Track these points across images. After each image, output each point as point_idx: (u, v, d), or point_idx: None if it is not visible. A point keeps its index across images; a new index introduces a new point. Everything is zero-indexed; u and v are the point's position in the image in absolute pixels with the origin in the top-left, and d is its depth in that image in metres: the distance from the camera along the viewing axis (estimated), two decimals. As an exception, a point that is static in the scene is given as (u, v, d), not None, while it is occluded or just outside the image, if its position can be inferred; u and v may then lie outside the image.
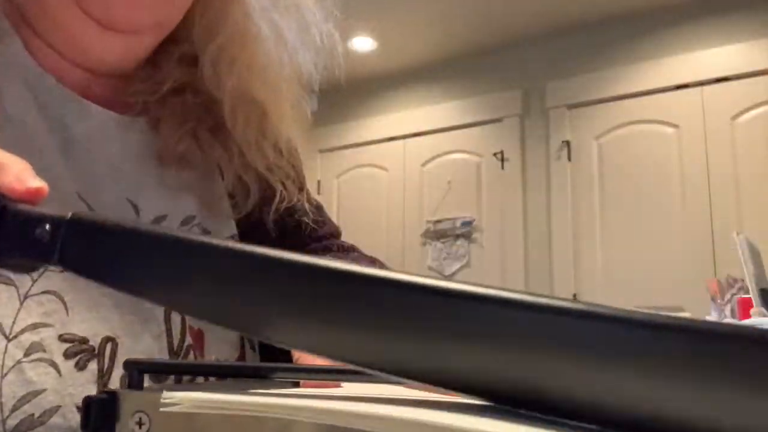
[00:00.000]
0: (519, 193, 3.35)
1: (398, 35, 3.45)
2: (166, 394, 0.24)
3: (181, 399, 0.24)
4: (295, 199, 0.60)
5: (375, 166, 3.88)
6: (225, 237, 0.56)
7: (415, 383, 0.21)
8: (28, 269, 0.29)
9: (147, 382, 0.29)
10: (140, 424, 0.25)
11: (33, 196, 0.28)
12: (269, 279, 0.23)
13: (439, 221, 3.55)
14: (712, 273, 2.69)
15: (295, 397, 0.23)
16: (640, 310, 0.19)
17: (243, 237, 0.58)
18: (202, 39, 0.56)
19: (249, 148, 0.57)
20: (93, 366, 0.42)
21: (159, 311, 0.47)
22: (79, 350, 0.42)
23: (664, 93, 3.05)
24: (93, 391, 0.41)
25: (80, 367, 0.41)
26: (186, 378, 0.45)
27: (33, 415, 0.38)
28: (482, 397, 0.21)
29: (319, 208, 0.67)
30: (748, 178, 2.81)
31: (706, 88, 2.97)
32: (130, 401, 0.25)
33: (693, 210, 2.90)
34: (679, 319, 0.19)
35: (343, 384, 0.34)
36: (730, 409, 0.18)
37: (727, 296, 1.61)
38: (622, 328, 0.19)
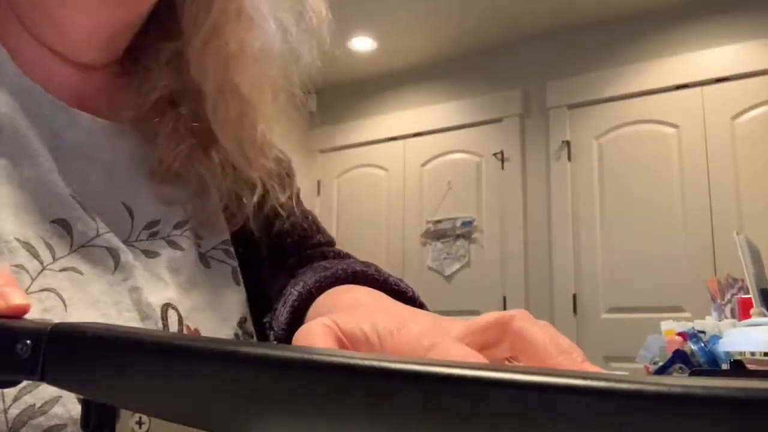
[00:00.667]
0: (519, 193, 3.35)
1: (398, 35, 3.45)
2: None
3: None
4: (282, 200, 0.59)
5: (375, 166, 3.88)
6: (218, 243, 0.56)
7: None
8: (9, 385, 0.29)
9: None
10: (140, 423, 0.25)
11: (16, 312, 0.28)
12: (259, 380, 0.21)
13: (439, 221, 3.55)
14: (712, 273, 2.69)
15: None
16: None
17: (237, 246, 0.58)
18: (189, 29, 0.54)
19: (231, 145, 0.56)
20: None
21: (156, 310, 0.47)
22: None
23: (664, 93, 3.05)
24: None
25: None
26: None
27: (34, 405, 0.38)
28: None
29: (313, 217, 0.67)
30: (748, 178, 2.81)
31: (706, 88, 2.97)
32: (129, 401, 0.25)
33: (693, 210, 2.90)
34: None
35: None
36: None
37: (727, 296, 1.61)
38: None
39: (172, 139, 0.53)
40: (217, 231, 0.57)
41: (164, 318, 0.47)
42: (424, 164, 3.69)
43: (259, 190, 0.57)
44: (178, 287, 0.50)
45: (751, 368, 1.06)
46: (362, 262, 0.60)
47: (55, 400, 0.39)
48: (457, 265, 3.47)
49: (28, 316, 0.41)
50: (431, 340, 0.28)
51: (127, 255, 0.47)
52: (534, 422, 0.17)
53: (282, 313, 0.49)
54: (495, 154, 3.44)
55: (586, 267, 3.12)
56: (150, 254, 0.49)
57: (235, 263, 0.56)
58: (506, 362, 0.29)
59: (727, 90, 2.92)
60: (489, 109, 3.51)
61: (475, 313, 3.37)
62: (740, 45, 2.90)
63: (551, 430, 0.16)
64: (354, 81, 3.95)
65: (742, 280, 1.47)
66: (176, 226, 0.53)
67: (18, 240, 0.42)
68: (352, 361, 0.20)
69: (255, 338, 0.55)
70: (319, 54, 0.63)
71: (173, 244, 0.51)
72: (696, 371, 1.21)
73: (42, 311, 0.41)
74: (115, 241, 0.47)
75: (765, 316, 1.24)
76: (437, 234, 3.55)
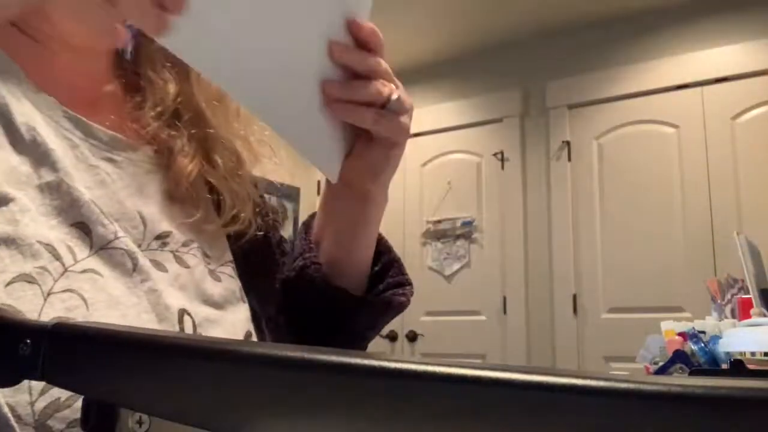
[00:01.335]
0: (519, 193, 3.35)
1: (398, 35, 3.45)
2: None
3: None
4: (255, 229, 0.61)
5: (375, 166, 3.87)
6: (225, 261, 0.58)
7: None
8: (11, 383, 0.29)
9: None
10: (140, 423, 0.25)
11: None
12: (259, 380, 0.21)
13: (439, 221, 3.55)
14: (712, 273, 2.69)
15: None
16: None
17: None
18: None
19: (234, 143, 0.60)
20: None
21: (173, 313, 0.48)
22: None
23: (664, 93, 3.05)
24: None
25: None
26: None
27: (59, 398, 0.39)
28: None
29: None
30: (748, 178, 2.81)
31: (706, 88, 2.97)
32: (129, 401, 0.25)
33: (693, 210, 2.90)
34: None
35: None
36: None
37: (727, 296, 1.61)
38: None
39: (185, 157, 0.56)
40: (222, 251, 0.59)
41: (181, 322, 0.48)
42: (424, 164, 3.69)
43: (260, 188, 0.61)
44: (188, 300, 0.51)
45: (751, 368, 1.06)
46: None
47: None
48: (457, 265, 3.47)
49: (51, 315, 0.41)
50: None
51: (143, 259, 0.48)
52: (534, 422, 0.17)
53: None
54: (495, 154, 3.44)
55: (586, 267, 3.12)
56: (159, 267, 0.51)
57: (239, 283, 0.58)
58: None
59: (727, 90, 2.92)
60: (489, 109, 3.51)
61: (475, 313, 3.37)
62: (740, 45, 2.90)
63: (552, 429, 0.16)
64: (354, 81, 3.95)
65: (742, 280, 1.47)
66: (184, 244, 0.54)
67: (40, 243, 0.43)
68: (352, 361, 0.20)
69: None
70: None
71: (180, 261, 0.53)
72: (696, 371, 1.21)
73: (65, 310, 0.42)
74: (132, 245, 0.48)
75: (765, 316, 1.24)
76: (437, 234, 3.55)
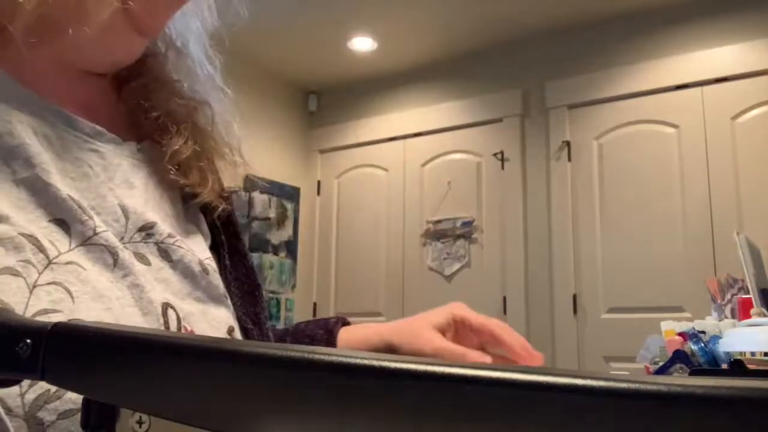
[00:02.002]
0: (519, 193, 3.35)
1: (398, 35, 3.45)
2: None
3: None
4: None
5: (375, 166, 3.87)
6: (207, 256, 0.59)
7: None
8: (9, 384, 0.29)
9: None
10: (140, 423, 0.24)
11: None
12: (259, 380, 0.21)
13: (439, 221, 3.55)
14: (712, 273, 2.69)
15: None
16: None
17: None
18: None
19: (216, 143, 0.63)
20: None
21: (157, 306, 0.48)
22: None
23: (664, 93, 3.05)
24: None
25: None
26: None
27: (49, 390, 0.39)
28: None
29: None
30: (748, 178, 2.81)
31: (706, 88, 2.97)
32: (129, 401, 0.25)
33: (693, 210, 2.90)
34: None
35: None
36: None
37: (727, 296, 1.61)
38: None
39: (180, 154, 0.58)
40: (204, 245, 0.60)
41: (164, 315, 0.48)
42: (424, 164, 3.69)
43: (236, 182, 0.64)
44: (172, 294, 0.51)
45: (751, 368, 1.06)
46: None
47: None
48: (457, 265, 3.47)
49: (38, 308, 0.41)
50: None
51: (124, 253, 0.48)
52: (534, 421, 0.17)
53: None
54: (495, 154, 3.44)
55: (586, 267, 3.12)
56: (142, 259, 0.50)
57: (220, 278, 0.58)
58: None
59: (727, 90, 2.92)
60: (489, 109, 3.51)
61: (475, 313, 3.37)
62: (740, 45, 2.90)
63: (552, 430, 0.16)
64: (354, 81, 3.95)
65: (742, 280, 1.47)
66: (170, 235, 0.54)
67: (23, 234, 0.43)
68: (352, 361, 0.20)
69: None
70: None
71: (164, 253, 0.52)
72: (696, 371, 1.21)
73: (51, 303, 0.42)
74: (113, 239, 0.48)
75: (765, 316, 1.24)
76: (437, 234, 3.55)
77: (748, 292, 1.34)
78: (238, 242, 0.65)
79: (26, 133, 0.47)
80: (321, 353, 0.20)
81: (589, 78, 3.23)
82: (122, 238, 0.50)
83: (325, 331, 0.71)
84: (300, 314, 3.86)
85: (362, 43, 3.52)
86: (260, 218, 3.68)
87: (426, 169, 3.68)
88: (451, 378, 0.18)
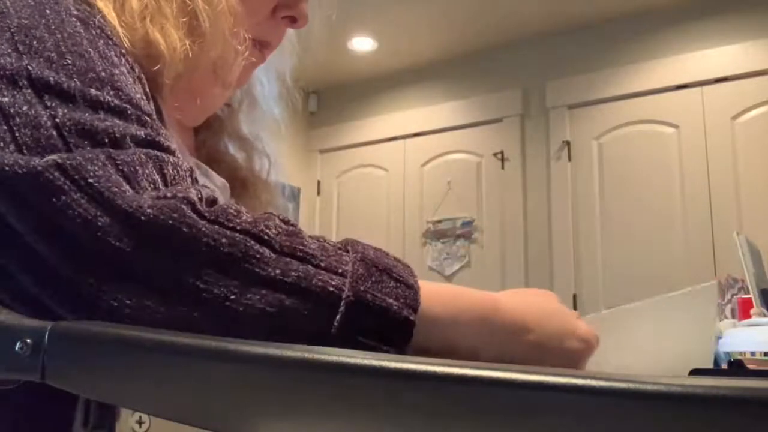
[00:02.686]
0: (519, 193, 3.35)
1: (398, 35, 3.45)
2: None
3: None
4: None
5: (375, 166, 3.87)
6: None
7: None
8: (9, 383, 0.29)
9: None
10: (140, 423, 0.24)
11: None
12: (259, 380, 0.22)
13: (439, 221, 3.55)
14: (712, 273, 2.69)
15: None
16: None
17: None
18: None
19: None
20: None
21: None
22: None
23: (664, 93, 3.05)
24: None
25: None
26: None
27: None
28: None
29: None
30: (748, 178, 2.81)
31: (706, 88, 2.97)
32: (129, 401, 0.25)
33: (693, 210, 2.90)
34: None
35: None
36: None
37: (727, 296, 1.61)
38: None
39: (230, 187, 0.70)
40: None
41: None
42: (424, 164, 3.69)
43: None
44: None
45: (751, 368, 1.06)
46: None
47: None
48: (457, 265, 3.47)
49: None
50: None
51: None
52: (535, 421, 0.17)
53: None
54: (495, 154, 3.44)
55: (586, 267, 3.12)
56: None
57: None
58: None
59: (727, 90, 2.92)
60: (489, 109, 3.51)
61: (475, 313, 3.36)
62: (740, 45, 2.90)
63: (552, 429, 0.16)
64: (354, 81, 3.95)
65: (742, 280, 1.47)
66: None
67: None
68: (352, 361, 0.19)
69: None
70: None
71: None
72: (696, 371, 1.21)
73: None
74: None
75: (765, 316, 1.24)
76: (437, 234, 3.55)
77: (748, 292, 1.34)
78: None
79: None
80: (321, 353, 0.20)
81: (589, 78, 3.23)
82: None
83: None
84: (300, 314, 3.85)
85: (362, 43, 3.52)
86: (260, 218, 3.68)
87: (426, 169, 3.68)
88: (452, 378, 0.18)
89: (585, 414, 0.16)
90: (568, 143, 3.25)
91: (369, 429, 0.19)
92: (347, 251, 0.43)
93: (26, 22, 0.45)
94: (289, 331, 0.37)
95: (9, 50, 0.43)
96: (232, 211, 0.41)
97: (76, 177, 0.39)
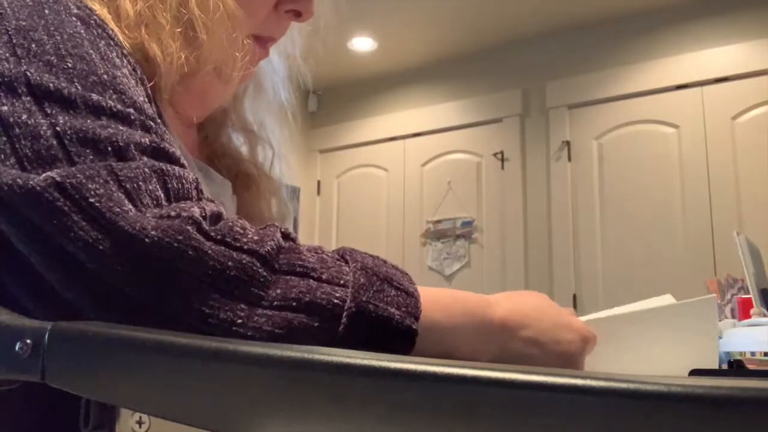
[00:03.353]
0: (519, 193, 3.35)
1: (398, 35, 3.45)
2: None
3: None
4: None
5: (375, 166, 3.87)
6: None
7: None
8: (9, 384, 0.29)
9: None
10: (140, 423, 0.24)
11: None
12: (259, 380, 0.21)
13: (439, 221, 3.55)
14: (712, 273, 2.69)
15: None
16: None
17: None
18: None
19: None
20: None
21: None
22: None
23: (664, 93, 3.05)
24: None
25: None
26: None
27: None
28: None
29: None
30: (748, 178, 2.80)
31: (706, 88, 2.97)
32: (129, 401, 0.25)
33: (693, 210, 2.90)
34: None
35: None
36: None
37: (727, 296, 1.61)
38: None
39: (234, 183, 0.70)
40: None
41: None
42: (424, 164, 3.69)
43: None
44: None
45: (751, 368, 1.06)
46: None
47: None
48: (457, 265, 3.47)
49: None
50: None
51: None
52: (534, 421, 0.17)
53: None
54: (495, 154, 3.44)
55: (586, 267, 3.12)
56: None
57: None
58: None
59: (727, 90, 2.92)
60: (489, 109, 3.51)
61: (475, 313, 3.36)
62: (740, 45, 2.90)
63: (552, 429, 0.16)
64: (354, 81, 3.95)
65: (742, 280, 1.47)
66: None
67: None
68: (352, 361, 0.19)
69: None
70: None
71: None
72: (696, 371, 1.20)
73: None
74: None
75: (765, 316, 1.24)
76: (437, 234, 3.55)
77: (748, 292, 1.34)
78: None
79: None
80: (321, 353, 0.20)
81: (589, 78, 3.23)
82: None
83: None
84: (300, 314, 3.85)
85: (362, 43, 3.52)
86: (260, 218, 3.67)
87: (426, 169, 3.68)
88: (451, 378, 0.18)
89: (584, 414, 0.16)
90: (568, 143, 3.25)
91: (369, 429, 0.19)
92: (346, 261, 0.43)
93: (24, 23, 0.44)
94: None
95: (7, 55, 0.42)
96: (238, 228, 0.40)
97: (77, 197, 0.37)
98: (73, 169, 0.39)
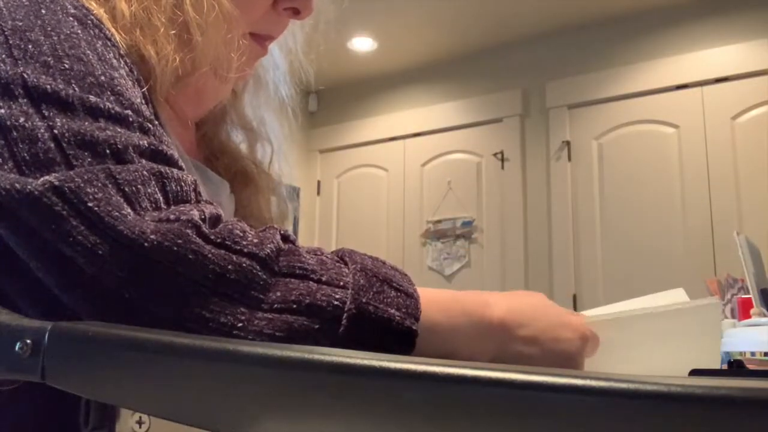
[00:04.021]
0: (519, 193, 3.35)
1: (398, 35, 3.45)
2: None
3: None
4: None
5: (375, 166, 3.87)
6: None
7: None
8: (9, 384, 0.28)
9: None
10: (140, 423, 0.24)
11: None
12: (259, 380, 0.21)
13: (439, 221, 3.55)
14: (712, 273, 2.69)
15: None
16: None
17: None
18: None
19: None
20: None
21: None
22: None
23: (664, 93, 3.05)
24: None
25: None
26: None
27: None
28: None
29: None
30: (748, 178, 2.80)
31: (706, 88, 2.97)
32: (129, 401, 0.25)
33: (693, 210, 2.90)
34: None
35: None
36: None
37: (727, 296, 1.61)
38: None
39: (233, 184, 0.69)
40: None
41: None
42: (424, 164, 3.69)
43: None
44: None
45: (751, 368, 1.06)
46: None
47: None
48: (457, 265, 3.47)
49: None
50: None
51: None
52: (535, 421, 0.17)
53: None
54: (495, 154, 3.44)
55: (586, 267, 3.12)
56: None
57: None
58: None
59: (727, 90, 2.92)
60: (489, 109, 3.51)
61: (475, 313, 3.36)
62: (740, 45, 2.90)
63: (552, 429, 0.16)
64: (354, 81, 3.95)
65: (742, 280, 1.47)
66: None
67: None
68: (352, 361, 0.19)
69: None
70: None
71: None
72: (696, 371, 1.21)
73: None
74: None
75: (765, 316, 1.24)
76: (437, 234, 3.55)
77: (748, 292, 1.34)
78: None
79: None
80: (321, 353, 0.20)
81: (589, 78, 3.23)
82: None
83: None
84: (300, 314, 3.85)
85: (362, 43, 3.52)
86: (260, 218, 3.67)
87: (426, 169, 3.68)
88: (451, 378, 0.18)
89: (585, 414, 0.16)
90: (568, 143, 3.25)
91: (369, 429, 0.19)
92: (345, 263, 0.43)
93: (21, 23, 0.43)
94: None
95: (3, 56, 0.42)
96: (237, 231, 0.40)
97: (75, 201, 0.37)
98: (72, 173, 0.38)
